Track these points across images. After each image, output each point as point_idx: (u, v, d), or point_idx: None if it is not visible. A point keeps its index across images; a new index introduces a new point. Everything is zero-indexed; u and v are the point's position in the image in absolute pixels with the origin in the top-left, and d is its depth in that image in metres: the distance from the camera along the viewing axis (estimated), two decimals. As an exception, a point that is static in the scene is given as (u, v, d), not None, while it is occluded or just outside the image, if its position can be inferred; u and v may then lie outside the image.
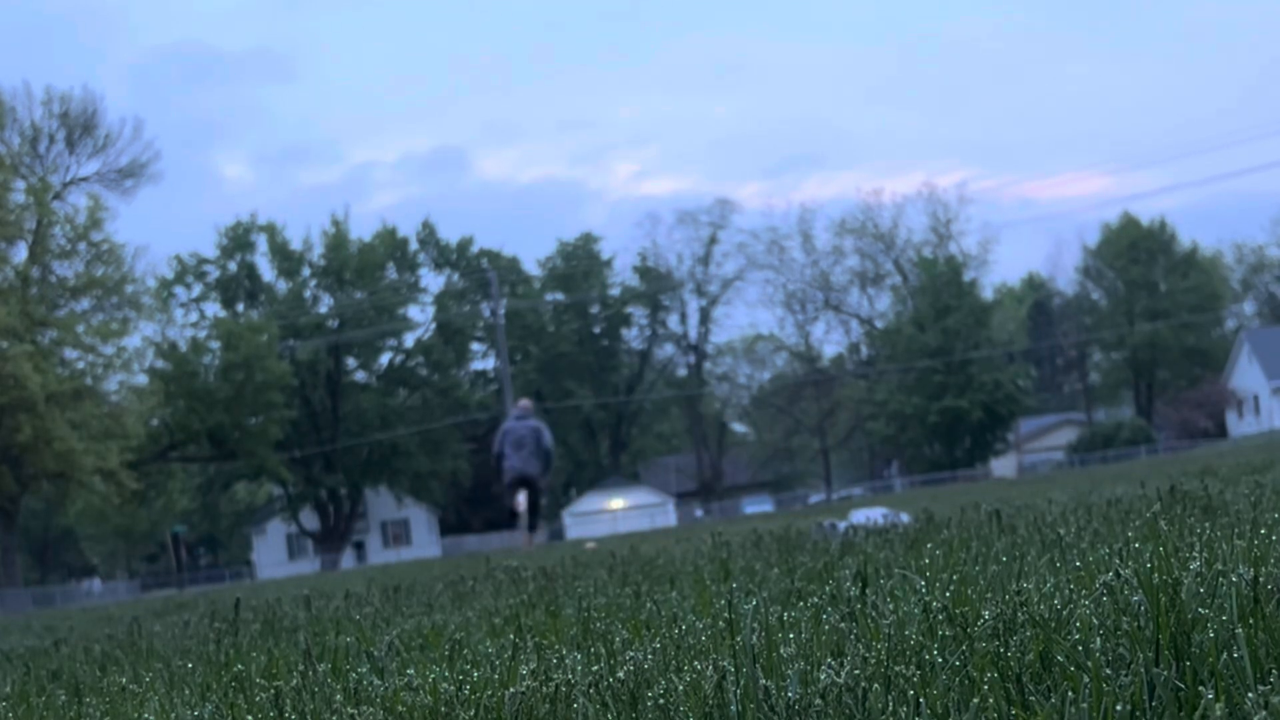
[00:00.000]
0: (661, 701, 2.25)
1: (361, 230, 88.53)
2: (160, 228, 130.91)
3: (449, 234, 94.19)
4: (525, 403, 22.53)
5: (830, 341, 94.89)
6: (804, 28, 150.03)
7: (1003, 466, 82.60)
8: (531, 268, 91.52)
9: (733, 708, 2.19)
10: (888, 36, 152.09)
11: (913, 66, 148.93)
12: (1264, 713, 1.62)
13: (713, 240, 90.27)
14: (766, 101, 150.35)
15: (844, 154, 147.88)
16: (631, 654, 2.68)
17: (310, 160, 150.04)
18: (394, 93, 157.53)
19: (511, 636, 3.89)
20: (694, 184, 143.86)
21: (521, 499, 20.90)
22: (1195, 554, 3.11)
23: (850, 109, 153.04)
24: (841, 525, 8.97)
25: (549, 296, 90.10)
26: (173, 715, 3.16)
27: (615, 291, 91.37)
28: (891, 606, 3.20)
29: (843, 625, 2.98)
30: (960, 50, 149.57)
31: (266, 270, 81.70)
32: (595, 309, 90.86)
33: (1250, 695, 1.72)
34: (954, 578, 3.71)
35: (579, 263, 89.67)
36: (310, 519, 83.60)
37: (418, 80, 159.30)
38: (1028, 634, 2.41)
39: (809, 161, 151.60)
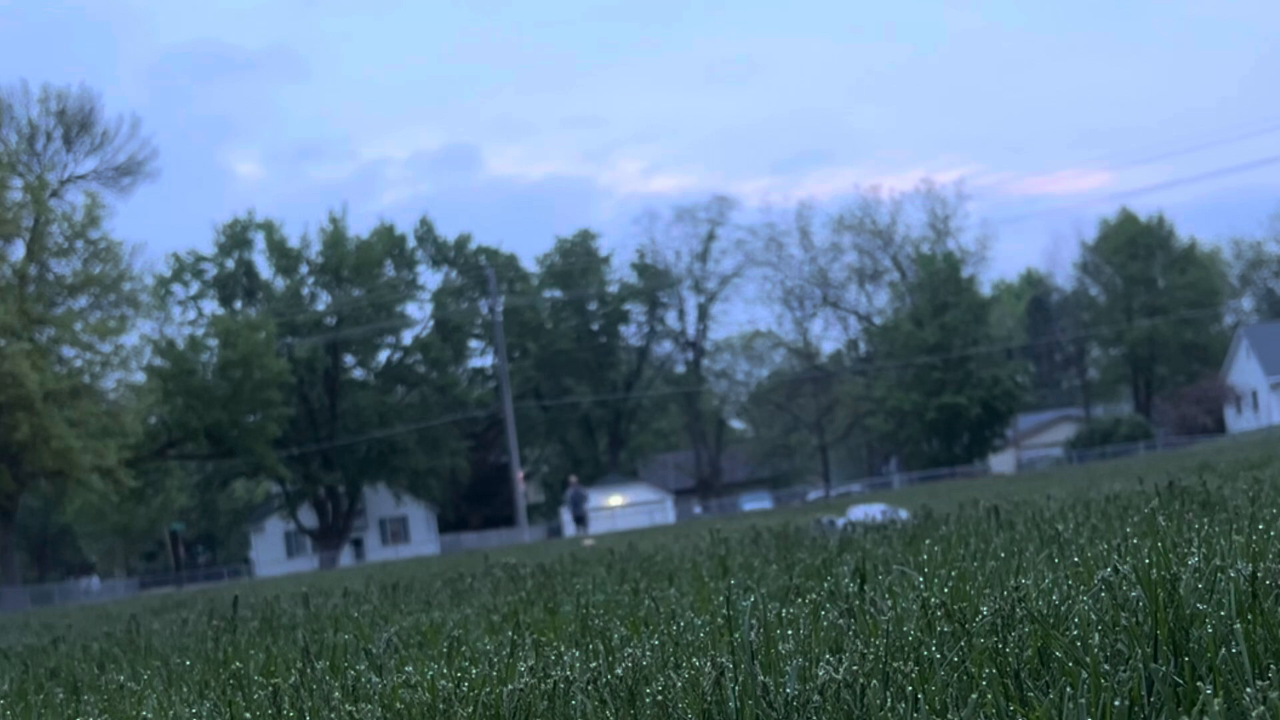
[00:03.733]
0: (660, 698, 2.25)
1: (359, 228, 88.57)
2: (167, 225, 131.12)
3: (452, 230, 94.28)
4: (574, 478, 50.59)
5: (828, 338, 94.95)
6: (806, 25, 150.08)
7: (1001, 463, 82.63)
8: (530, 265, 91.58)
9: (731, 704, 2.19)
10: (889, 34, 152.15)
11: (912, 63, 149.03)
12: (1262, 708, 1.62)
13: (711, 237, 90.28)
14: (770, 98, 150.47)
15: (845, 150, 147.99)
16: (630, 651, 2.67)
17: (323, 157, 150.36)
18: (406, 90, 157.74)
19: (510, 633, 3.89)
20: (697, 181, 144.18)
21: (582, 530, 45.10)
22: (1194, 549, 3.10)
23: (851, 105, 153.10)
24: (840, 522, 8.97)
25: (547, 293, 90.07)
26: (170, 713, 3.16)
27: (613, 288, 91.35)
28: (890, 603, 3.19)
29: (841, 622, 2.98)
30: (959, 47, 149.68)
31: (264, 268, 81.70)
32: (593, 306, 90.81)
33: (1249, 690, 1.72)
34: (952, 574, 3.71)
35: (577, 260, 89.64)
36: (308, 516, 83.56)
37: (430, 78, 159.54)
38: (1026, 630, 2.41)
39: (811, 158, 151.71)
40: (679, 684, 2.36)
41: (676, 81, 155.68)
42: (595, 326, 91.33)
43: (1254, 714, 1.61)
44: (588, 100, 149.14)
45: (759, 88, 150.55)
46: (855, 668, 2.17)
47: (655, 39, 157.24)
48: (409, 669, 3.20)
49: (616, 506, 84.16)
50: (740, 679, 2.27)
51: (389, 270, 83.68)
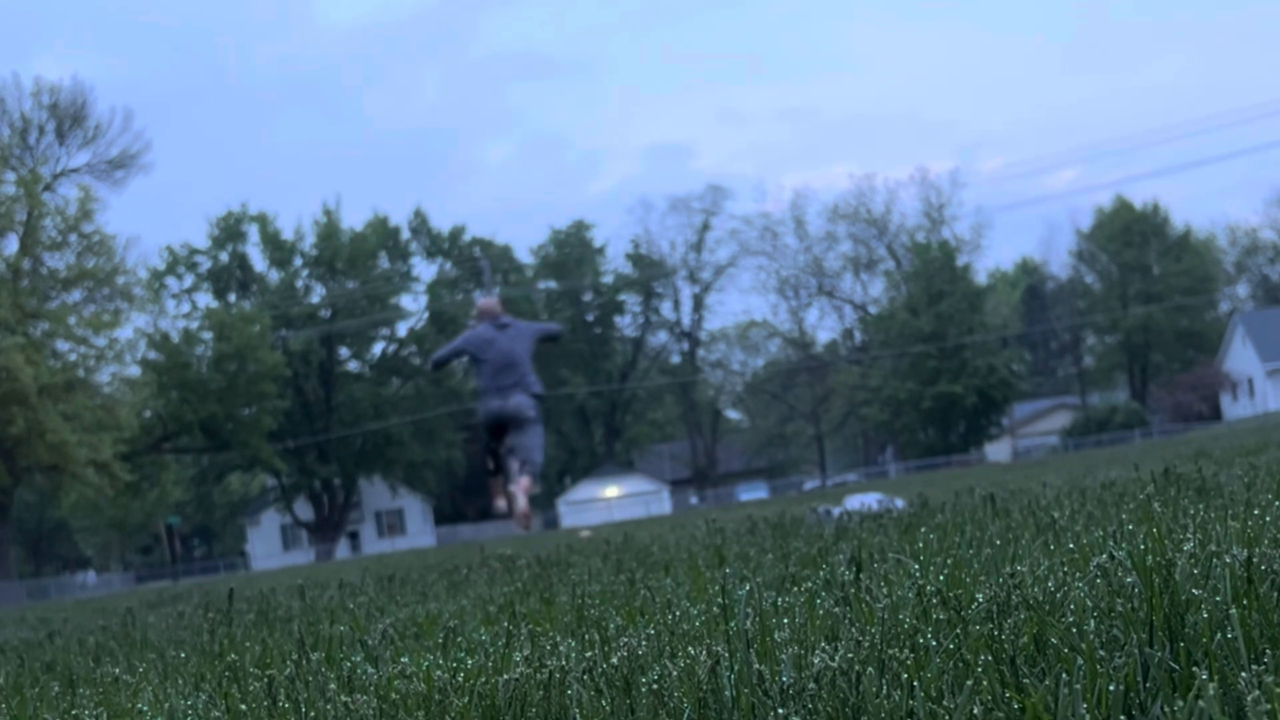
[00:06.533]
0: (655, 687, 2.25)
1: (353, 219, 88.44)
2: (155, 217, 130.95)
3: (444, 222, 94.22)
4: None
5: (824, 327, 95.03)
6: (809, 15, 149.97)
7: (997, 451, 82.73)
8: (524, 255, 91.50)
9: (727, 693, 2.19)
10: (888, 21, 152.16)
11: (909, 50, 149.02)
12: (1257, 692, 1.62)
13: (705, 227, 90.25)
14: (770, 89, 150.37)
15: (841, 141, 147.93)
16: (625, 640, 2.67)
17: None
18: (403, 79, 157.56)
19: (505, 624, 3.89)
20: (694, 171, 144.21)
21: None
22: (1189, 535, 3.11)
23: (848, 95, 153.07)
24: (836, 511, 8.97)
25: (541, 284, 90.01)
26: (166, 705, 3.16)
27: (608, 279, 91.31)
28: (885, 590, 3.20)
29: (837, 610, 2.98)
30: (956, 35, 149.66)
31: (258, 260, 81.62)
32: (588, 296, 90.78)
33: (1244, 675, 1.72)
34: (948, 561, 3.71)
35: (571, 250, 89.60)
36: (304, 509, 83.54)
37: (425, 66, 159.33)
38: (1022, 616, 2.41)
39: (803, 149, 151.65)
40: (675, 673, 2.36)
41: (677, 71, 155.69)
42: (590, 317, 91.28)
43: (1249, 698, 1.61)
44: (582, 92, 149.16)
45: (759, 78, 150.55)
46: (851, 655, 2.17)
47: (656, 29, 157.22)
48: (405, 660, 3.20)
49: (613, 497, 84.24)
50: (736, 667, 2.27)
51: (383, 262, 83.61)
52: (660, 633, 3.09)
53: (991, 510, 5.98)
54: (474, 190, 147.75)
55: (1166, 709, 1.78)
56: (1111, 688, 1.90)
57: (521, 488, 13.12)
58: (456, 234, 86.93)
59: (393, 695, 2.63)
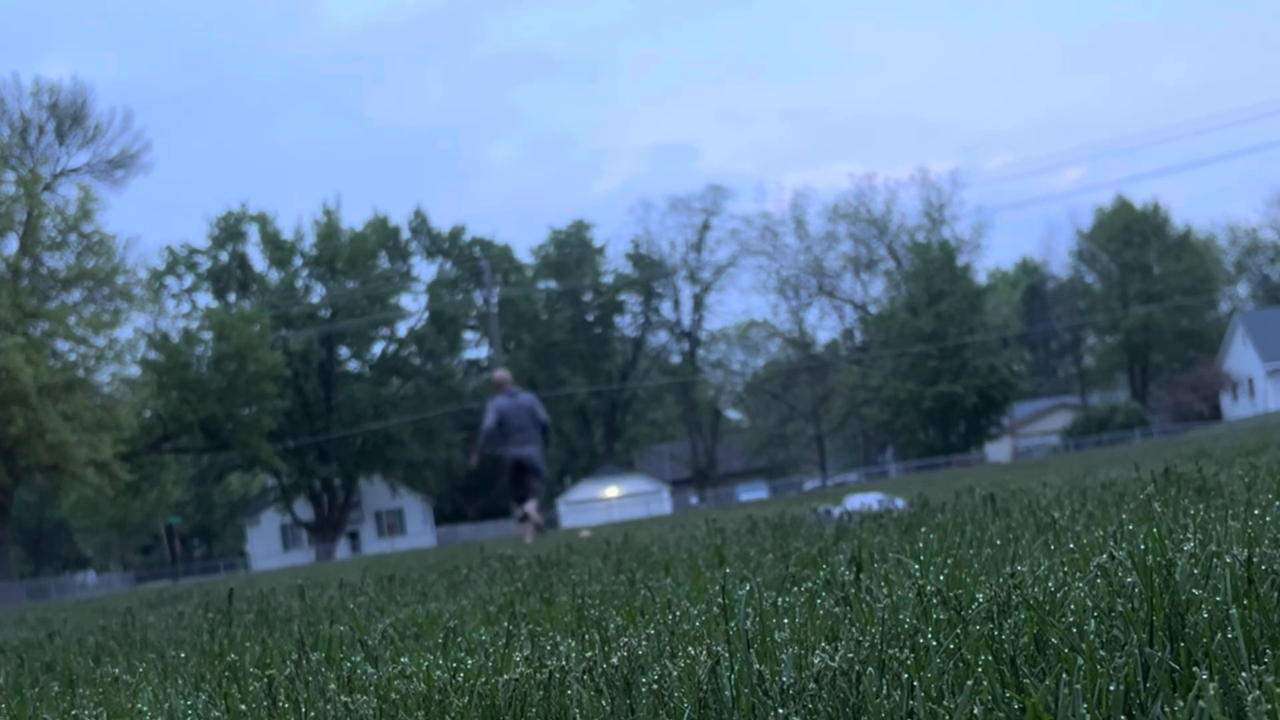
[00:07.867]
0: (656, 687, 2.24)
1: (353, 219, 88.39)
2: (154, 217, 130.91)
3: (446, 223, 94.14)
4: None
5: (824, 327, 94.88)
6: (810, 15, 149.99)
7: (997, 451, 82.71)
8: (524, 255, 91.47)
9: (727, 693, 2.19)
10: (889, 21, 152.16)
11: (909, 50, 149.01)
12: (1257, 692, 1.62)
13: (705, 227, 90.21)
14: (771, 89, 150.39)
15: (842, 141, 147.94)
16: (626, 640, 2.67)
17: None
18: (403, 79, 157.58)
19: (505, 624, 3.89)
20: (696, 171, 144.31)
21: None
22: (1189, 535, 3.11)
23: (849, 95, 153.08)
24: (836, 511, 8.97)
25: (542, 284, 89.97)
26: (166, 705, 3.16)
27: (608, 279, 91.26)
28: (886, 590, 3.19)
29: (837, 610, 2.98)
30: (956, 35, 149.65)
31: (258, 260, 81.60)
32: (588, 296, 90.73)
33: (1244, 675, 1.72)
34: (948, 561, 3.71)
35: (571, 250, 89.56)
36: (304, 509, 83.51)
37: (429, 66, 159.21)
38: (1022, 616, 2.41)
39: (806, 149, 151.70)
40: (675, 673, 2.36)
41: (678, 72, 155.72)
42: (590, 317, 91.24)
43: (1249, 698, 1.61)
44: (579, 93, 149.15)
45: (759, 78, 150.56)
46: (851, 655, 2.17)
47: (656, 29, 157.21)
48: (404, 660, 3.20)
49: (613, 497, 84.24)
50: (736, 667, 2.27)
51: (383, 262, 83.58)
52: (660, 633, 3.09)
53: (992, 510, 5.98)
54: (476, 191, 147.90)
55: (1166, 709, 1.78)
56: (1112, 688, 1.90)
57: (531, 507, 18.47)
58: (456, 234, 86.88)
59: (393, 695, 2.63)
